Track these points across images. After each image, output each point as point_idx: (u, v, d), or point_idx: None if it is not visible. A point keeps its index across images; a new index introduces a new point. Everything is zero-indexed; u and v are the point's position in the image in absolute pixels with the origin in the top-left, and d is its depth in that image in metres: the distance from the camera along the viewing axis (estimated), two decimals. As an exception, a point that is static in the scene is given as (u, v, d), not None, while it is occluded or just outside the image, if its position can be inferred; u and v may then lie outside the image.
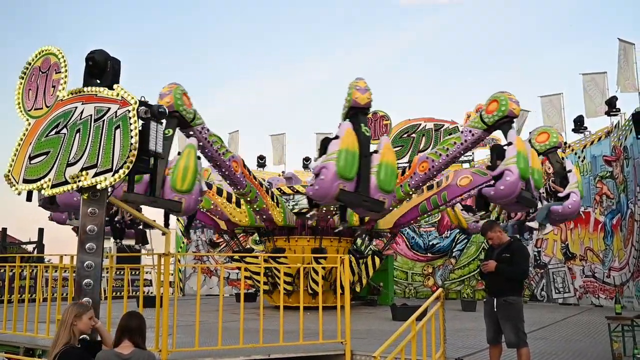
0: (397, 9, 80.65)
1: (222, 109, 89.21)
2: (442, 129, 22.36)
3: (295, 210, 14.61)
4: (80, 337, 4.46)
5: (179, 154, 9.03)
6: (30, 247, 23.95)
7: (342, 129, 8.42)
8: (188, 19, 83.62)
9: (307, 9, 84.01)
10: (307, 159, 24.60)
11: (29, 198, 6.34)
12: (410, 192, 12.29)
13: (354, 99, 8.95)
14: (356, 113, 9.00)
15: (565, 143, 18.55)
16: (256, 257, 13.49)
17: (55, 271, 8.57)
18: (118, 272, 18.05)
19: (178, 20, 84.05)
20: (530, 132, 11.54)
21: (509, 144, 9.15)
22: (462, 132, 11.09)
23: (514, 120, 10.08)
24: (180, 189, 8.59)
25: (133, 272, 18.52)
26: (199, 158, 9.30)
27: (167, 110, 5.57)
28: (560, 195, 11.12)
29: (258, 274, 13.71)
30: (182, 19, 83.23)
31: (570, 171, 11.11)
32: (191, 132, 9.99)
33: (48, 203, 10.99)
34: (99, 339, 4.72)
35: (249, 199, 12.90)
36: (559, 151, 11.20)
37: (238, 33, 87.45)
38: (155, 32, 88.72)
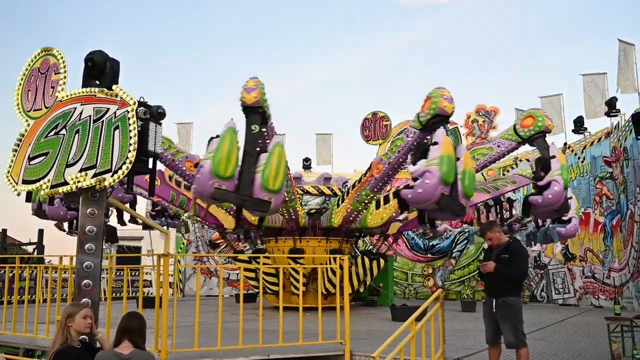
0: (397, 9, 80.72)
1: (222, 109, 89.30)
2: (442, 130, 22.33)
3: (305, 211, 14.63)
4: (80, 337, 4.43)
5: (265, 151, 8.95)
6: (30, 248, 23.95)
7: (439, 136, 8.60)
8: (188, 19, 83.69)
9: (307, 9, 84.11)
10: (307, 160, 24.59)
11: (28, 199, 6.36)
12: None
13: (442, 107, 9.10)
14: (441, 120, 9.27)
15: (565, 144, 18.60)
16: (268, 257, 13.38)
17: (55, 272, 8.57)
18: (118, 273, 18.03)
19: (178, 21, 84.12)
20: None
21: (552, 157, 9.93)
22: (494, 143, 11.53)
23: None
24: (272, 189, 8.54)
25: (133, 273, 18.50)
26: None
27: (165, 111, 5.56)
28: (563, 218, 12.30)
29: (269, 274, 13.60)
30: (182, 19, 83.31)
31: (571, 198, 11.51)
32: (264, 129, 9.95)
33: (37, 211, 11.01)
34: (98, 345, 4.63)
35: (287, 199, 12.93)
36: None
37: (238, 33, 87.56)
38: (155, 32, 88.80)
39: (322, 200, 14.92)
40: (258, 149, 8.95)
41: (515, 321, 5.82)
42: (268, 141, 9.44)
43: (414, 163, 8.68)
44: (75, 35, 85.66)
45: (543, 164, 10.02)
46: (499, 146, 11.27)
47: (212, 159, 8.09)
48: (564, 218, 12.41)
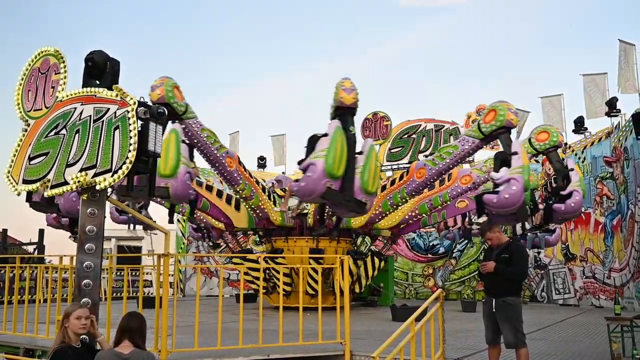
0: (397, 9, 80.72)
1: (222, 110, 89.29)
2: (442, 130, 22.36)
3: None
4: (81, 337, 4.41)
5: (360, 153, 8.97)
6: (30, 248, 23.97)
7: (518, 147, 9.21)
8: (189, 19, 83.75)
9: (308, 8, 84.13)
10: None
11: (28, 198, 6.36)
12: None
13: (509, 119, 9.80)
14: (504, 132, 9.89)
15: (566, 144, 18.60)
16: (283, 257, 13.27)
17: (55, 272, 8.59)
18: (118, 273, 18.02)
19: (179, 22, 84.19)
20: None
21: (571, 169, 10.94)
22: None
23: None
24: (370, 191, 8.72)
25: (133, 273, 18.51)
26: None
27: (165, 111, 5.57)
28: (550, 228, 13.77)
29: (284, 274, 13.49)
30: (183, 20, 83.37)
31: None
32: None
33: (42, 205, 10.95)
34: (99, 347, 4.59)
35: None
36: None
37: (239, 34, 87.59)
38: (156, 33, 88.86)
39: None
40: (356, 151, 9.11)
41: (515, 321, 5.82)
42: None
43: (496, 170, 9.24)
44: (74, 36, 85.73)
45: (563, 175, 10.97)
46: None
47: (325, 158, 8.13)
48: (550, 228, 13.66)
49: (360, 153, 8.91)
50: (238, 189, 12.91)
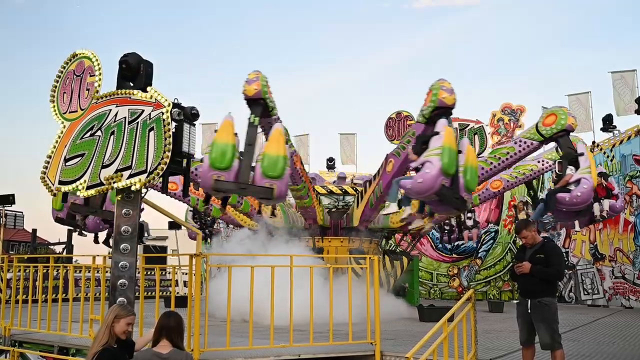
0: (418, 10, 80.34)
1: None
2: (466, 129, 22.13)
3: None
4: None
5: (459, 152, 9.02)
6: (58, 248, 24.33)
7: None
8: (217, 15, 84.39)
9: (334, 8, 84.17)
10: (330, 160, 24.53)
11: (64, 199, 6.45)
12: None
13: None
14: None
15: (594, 142, 18.29)
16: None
17: (88, 271, 8.71)
18: (149, 273, 18.19)
19: (207, 20, 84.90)
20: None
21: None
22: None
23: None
24: (472, 189, 8.81)
25: (161, 273, 18.68)
26: None
27: (199, 112, 5.62)
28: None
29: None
30: (211, 18, 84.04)
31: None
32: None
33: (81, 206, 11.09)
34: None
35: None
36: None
37: (265, 34, 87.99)
38: (183, 32, 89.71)
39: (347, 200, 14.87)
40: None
41: (552, 322, 5.73)
42: None
43: (563, 170, 9.20)
44: (96, 38, 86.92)
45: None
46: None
47: (441, 156, 8.11)
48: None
49: (460, 152, 8.84)
50: (298, 188, 12.88)
